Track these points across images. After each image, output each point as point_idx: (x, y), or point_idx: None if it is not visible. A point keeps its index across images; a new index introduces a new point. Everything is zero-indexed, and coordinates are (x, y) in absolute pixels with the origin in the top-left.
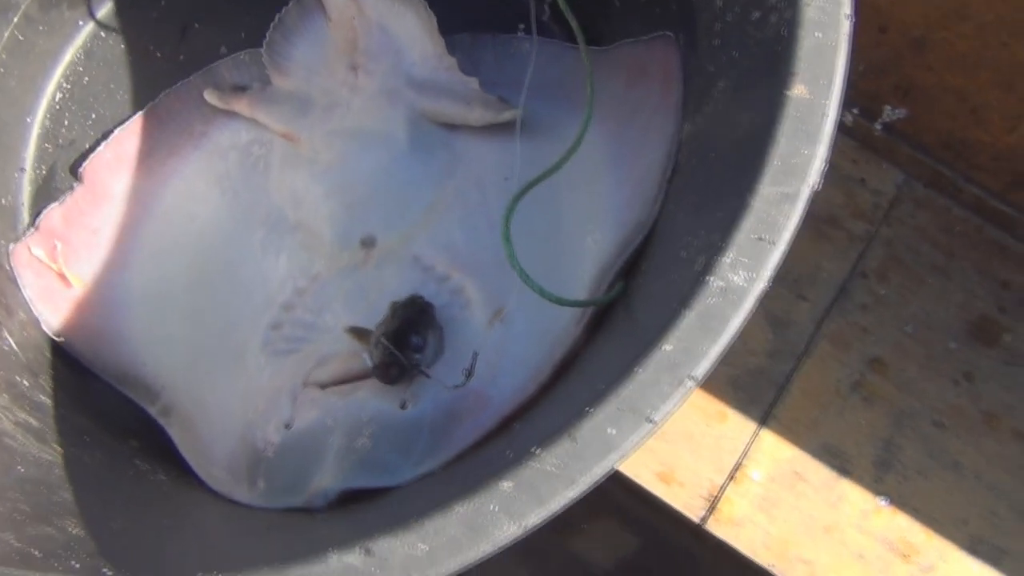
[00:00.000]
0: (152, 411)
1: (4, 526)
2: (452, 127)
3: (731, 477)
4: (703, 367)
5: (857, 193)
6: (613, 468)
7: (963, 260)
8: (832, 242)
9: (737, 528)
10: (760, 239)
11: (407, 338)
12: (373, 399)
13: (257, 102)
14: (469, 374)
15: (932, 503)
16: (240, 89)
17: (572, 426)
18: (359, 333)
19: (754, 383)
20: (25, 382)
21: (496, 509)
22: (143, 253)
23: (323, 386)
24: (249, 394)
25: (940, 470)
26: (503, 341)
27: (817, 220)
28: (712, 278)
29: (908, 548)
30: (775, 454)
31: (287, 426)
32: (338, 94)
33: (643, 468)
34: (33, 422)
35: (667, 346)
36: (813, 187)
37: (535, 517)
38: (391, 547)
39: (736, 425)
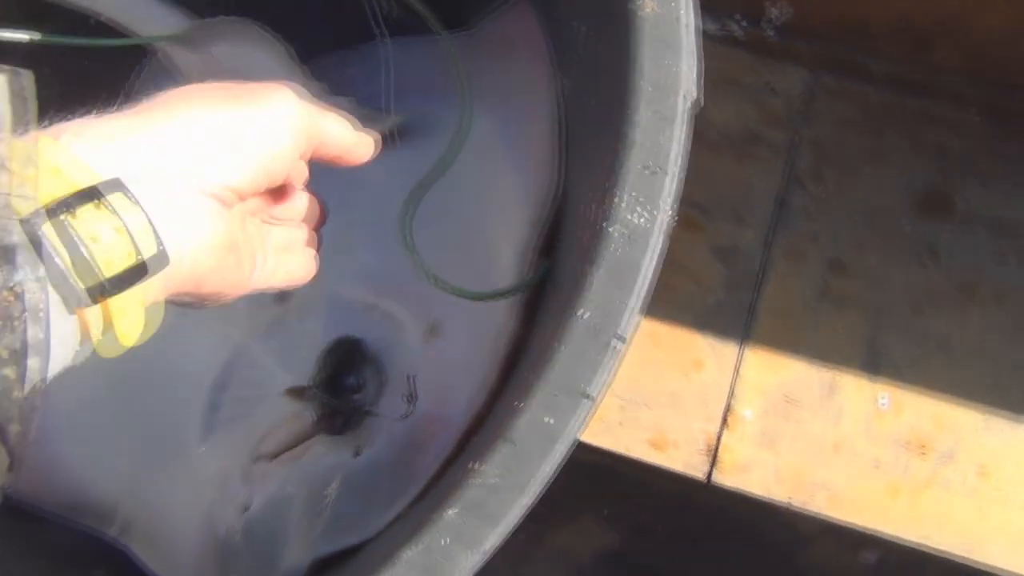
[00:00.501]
0: (111, 534)
1: None
2: None
3: (724, 423)
4: (627, 323)
5: (768, 102)
6: (563, 459)
7: (893, 138)
8: (757, 158)
9: (745, 473)
10: (649, 170)
11: (342, 382)
12: (326, 455)
13: None
14: (411, 399)
15: (933, 390)
16: None
17: (506, 427)
18: (295, 392)
19: (720, 321)
20: None
21: (448, 542)
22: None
23: (273, 457)
24: (202, 486)
25: (931, 355)
26: (444, 355)
27: (735, 140)
28: (610, 225)
29: (922, 442)
30: (762, 387)
31: (245, 509)
32: None
33: (633, 441)
34: None
35: (582, 312)
36: (692, 102)
37: (493, 537)
38: None
39: (714, 369)
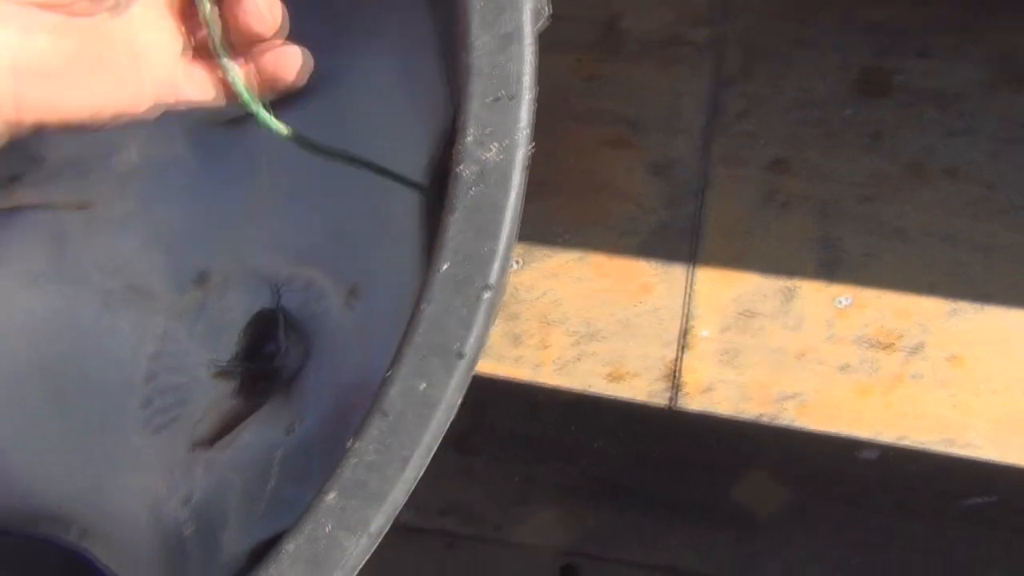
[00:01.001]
0: (71, 540)
1: None
2: (236, 122)
3: (682, 346)
4: (495, 270)
5: (685, 1)
6: (446, 425)
7: (821, 21)
8: (682, 62)
9: (710, 394)
10: (497, 99)
11: (261, 350)
12: (261, 435)
13: (33, 185)
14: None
15: (893, 281)
16: (15, 179)
17: (380, 398)
18: (222, 372)
19: (664, 240)
20: None
21: (331, 529)
22: None
23: (211, 442)
24: (146, 483)
25: (887, 244)
26: (364, 319)
27: (656, 46)
28: (463, 167)
29: (888, 337)
30: (716, 303)
31: (188, 500)
32: (109, 141)
33: (590, 375)
34: None
35: (444, 265)
36: (540, 14)
37: (379, 518)
38: None
39: (665, 291)
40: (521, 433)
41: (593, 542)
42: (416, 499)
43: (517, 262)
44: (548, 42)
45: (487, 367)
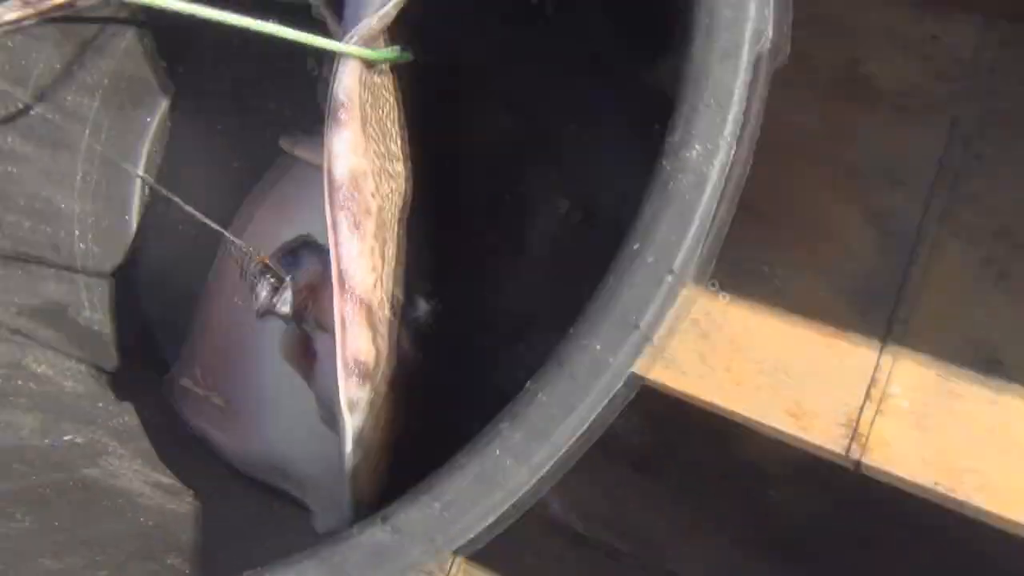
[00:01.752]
0: (287, 487)
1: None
2: None
3: (867, 396)
4: (680, 259)
5: (933, 54)
6: (613, 388)
7: None
8: (918, 115)
9: (888, 450)
10: (707, 107)
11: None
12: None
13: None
14: None
15: None
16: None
17: (558, 351)
18: None
19: (868, 289)
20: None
21: (499, 453)
22: (263, 356)
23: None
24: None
25: None
26: None
27: (894, 95)
28: (666, 162)
29: None
30: (912, 362)
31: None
32: None
33: (770, 408)
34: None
35: (634, 245)
36: (768, 44)
37: (542, 452)
38: (410, 516)
39: (860, 340)
40: (705, 463)
41: None
42: (588, 510)
43: (717, 284)
44: (788, 81)
45: (670, 378)
